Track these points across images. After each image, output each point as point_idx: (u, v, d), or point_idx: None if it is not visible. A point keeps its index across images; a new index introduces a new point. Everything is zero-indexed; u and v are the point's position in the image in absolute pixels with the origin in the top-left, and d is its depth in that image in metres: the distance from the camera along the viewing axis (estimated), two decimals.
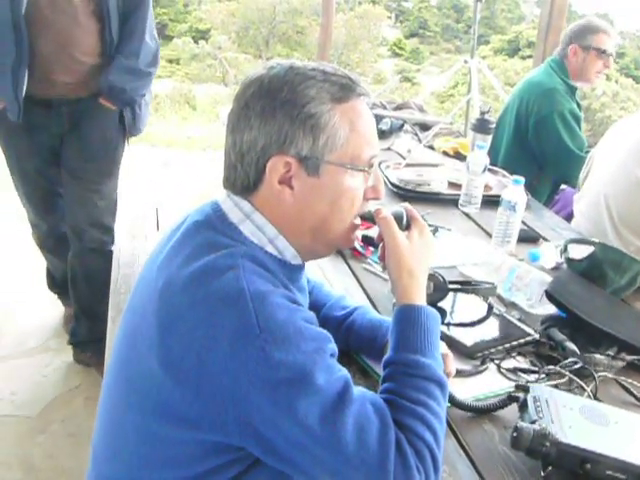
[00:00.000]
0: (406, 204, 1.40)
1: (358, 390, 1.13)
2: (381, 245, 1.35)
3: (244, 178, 1.24)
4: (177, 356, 1.11)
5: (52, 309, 3.62)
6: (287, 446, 1.08)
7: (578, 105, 3.60)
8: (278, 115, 1.19)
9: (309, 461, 1.09)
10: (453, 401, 1.42)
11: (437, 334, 1.27)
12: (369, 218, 1.33)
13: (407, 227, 1.35)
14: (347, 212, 1.26)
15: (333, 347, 1.16)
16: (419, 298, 1.29)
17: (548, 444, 1.24)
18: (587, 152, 3.39)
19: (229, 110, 1.27)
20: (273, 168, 1.20)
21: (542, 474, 1.28)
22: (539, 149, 3.53)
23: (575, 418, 1.33)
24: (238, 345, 1.07)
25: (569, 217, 3.14)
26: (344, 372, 1.14)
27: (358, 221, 1.31)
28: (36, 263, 3.54)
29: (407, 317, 1.26)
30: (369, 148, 1.25)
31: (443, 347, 1.49)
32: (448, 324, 1.71)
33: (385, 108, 3.73)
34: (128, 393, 1.22)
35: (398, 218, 1.34)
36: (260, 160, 1.21)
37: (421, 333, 1.24)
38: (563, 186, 3.71)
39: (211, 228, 1.23)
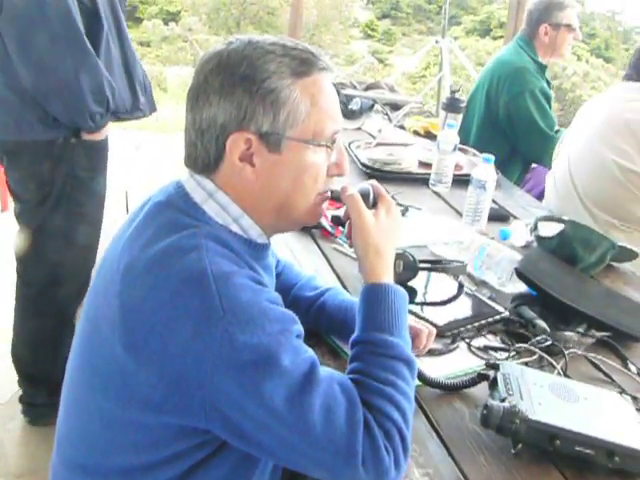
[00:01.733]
0: (373, 181, 1.38)
1: (325, 371, 1.12)
2: (348, 223, 1.33)
3: (205, 156, 1.21)
4: (140, 339, 1.09)
5: None
6: (254, 428, 1.07)
7: (548, 83, 3.61)
8: (237, 91, 1.16)
9: (277, 443, 1.08)
10: (423, 379, 1.42)
11: (405, 313, 1.26)
12: (338, 198, 1.32)
13: (374, 205, 1.34)
14: (310, 189, 1.24)
15: (299, 328, 1.15)
16: (386, 277, 1.28)
17: (518, 421, 1.24)
18: (557, 131, 3.40)
19: (189, 87, 1.25)
20: (233, 145, 1.18)
21: (512, 451, 1.28)
22: (510, 128, 3.53)
23: (545, 395, 1.33)
24: (201, 327, 1.05)
25: (540, 195, 3.15)
26: (310, 353, 1.13)
27: (328, 194, 1.29)
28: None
29: (374, 296, 1.25)
30: (331, 123, 1.23)
31: (427, 325, 1.51)
32: (421, 303, 1.71)
33: (355, 88, 3.70)
34: (92, 376, 1.20)
35: (365, 195, 1.32)
36: (220, 137, 1.19)
37: (388, 312, 1.22)
38: (534, 164, 3.72)
39: (174, 208, 1.20)
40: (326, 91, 1.23)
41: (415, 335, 1.47)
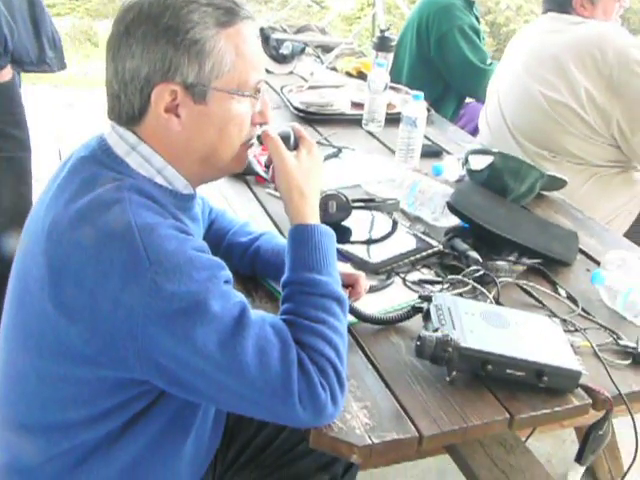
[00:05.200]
0: (294, 124, 1.39)
1: (256, 314, 1.14)
2: (272, 167, 1.34)
3: (129, 108, 1.19)
4: (69, 295, 1.09)
5: None
6: (190, 376, 1.08)
7: (477, 19, 3.61)
8: (161, 42, 1.15)
9: (214, 388, 1.10)
10: (359, 315, 1.44)
11: (333, 252, 1.28)
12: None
13: (295, 147, 1.34)
14: (236, 138, 1.24)
15: (227, 274, 1.15)
16: (312, 217, 1.29)
17: (450, 350, 1.28)
18: (490, 64, 3.43)
19: (108, 36, 1.22)
20: (159, 97, 1.16)
21: (447, 379, 1.32)
22: (443, 65, 3.54)
23: (476, 323, 1.37)
24: (129, 279, 1.05)
25: (475, 131, 3.19)
26: (240, 298, 1.14)
27: (252, 142, 1.30)
28: None
29: (300, 237, 1.26)
30: (255, 73, 1.23)
31: (353, 270, 1.52)
32: (355, 242, 1.72)
33: (286, 32, 3.65)
34: (25, 336, 1.19)
35: (285, 138, 1.33)
36: (144, 89, 1.17)
37: (315, 251, 1.24)
38: (468, 100, 3.74)
39: (97, 163, 1.19)
40: (250, 41, 1.22)
41: (354, 281, 1.49)
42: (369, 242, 1.74)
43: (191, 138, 1.21)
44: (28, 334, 1.18)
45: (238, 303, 1.12)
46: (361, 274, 1.52)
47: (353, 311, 1.41)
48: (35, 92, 5.73)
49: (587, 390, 1.33)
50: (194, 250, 1.12)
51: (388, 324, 1.47)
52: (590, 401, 1.32)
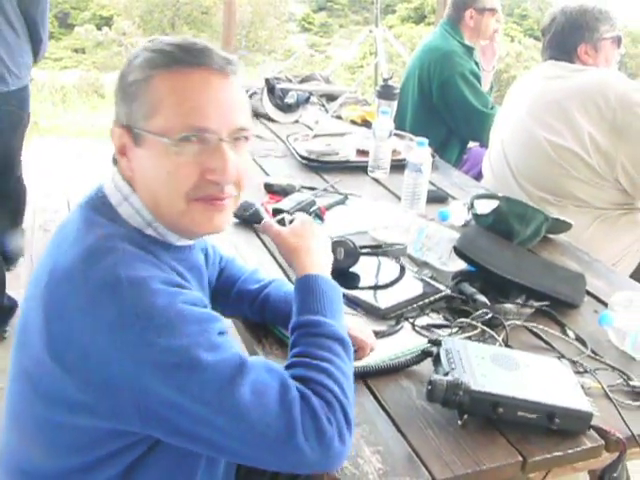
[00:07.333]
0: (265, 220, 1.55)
1: (253, 360, 1.14)
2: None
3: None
4: (62, 346, 1.10)
5: None
6: (191, 424, 1.08)
7: (477, 64, 3.68)
8: (117, 90, 1.24)
9: (216, 435, 1.09)
10: (368, 371, 1.45)
11: (338, 299, 1.32)
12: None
13: None
14: (173, 189, 1.20)
15: (221, 326, 1.16)
16: (316, 269, 1.35)
17: (461, 393, 1.28)
18: (492, 108, 3.48)
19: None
20: (114, 139, 1.25)
21: (459, 422, 1.32)
22: (446, 111, 3.60)
23: (486, 366, 1.37)
24: (118, 335, 1.06)
25: (478, 176, 3.21)
26: (236, 349, 1.14)
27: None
28: None
29: (305, 285, 1.32)
30: (188, 120, 1.18)
31: (369, 336, 1.50)
32: (364, 287, 1.74)
33: (291, 81, 3.71)
34: (25, 381, 1.20)
35: (280, 221, 1.53)
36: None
37: (320, 297, 1.28)
38: (470, 144, 3.79)
39: (91, 209, 1.22)
40: (192, 87, 1.18)
41: (359, 347, 1.46)
42: (377, 288, 1.76)
43: (140, 184, 1.22)
44: (27, 379, 1.19)
45: (233, 354, 1.12)
46: (367, 343, 1.48)
47: (365, 369, 1.45)
48: (44, 144, 5.80)
49: (599, 431, 1.32)
50: (185, 304, 1.12)
51: (399, 369, 1.48)
52: (603, 442, 1.32)
